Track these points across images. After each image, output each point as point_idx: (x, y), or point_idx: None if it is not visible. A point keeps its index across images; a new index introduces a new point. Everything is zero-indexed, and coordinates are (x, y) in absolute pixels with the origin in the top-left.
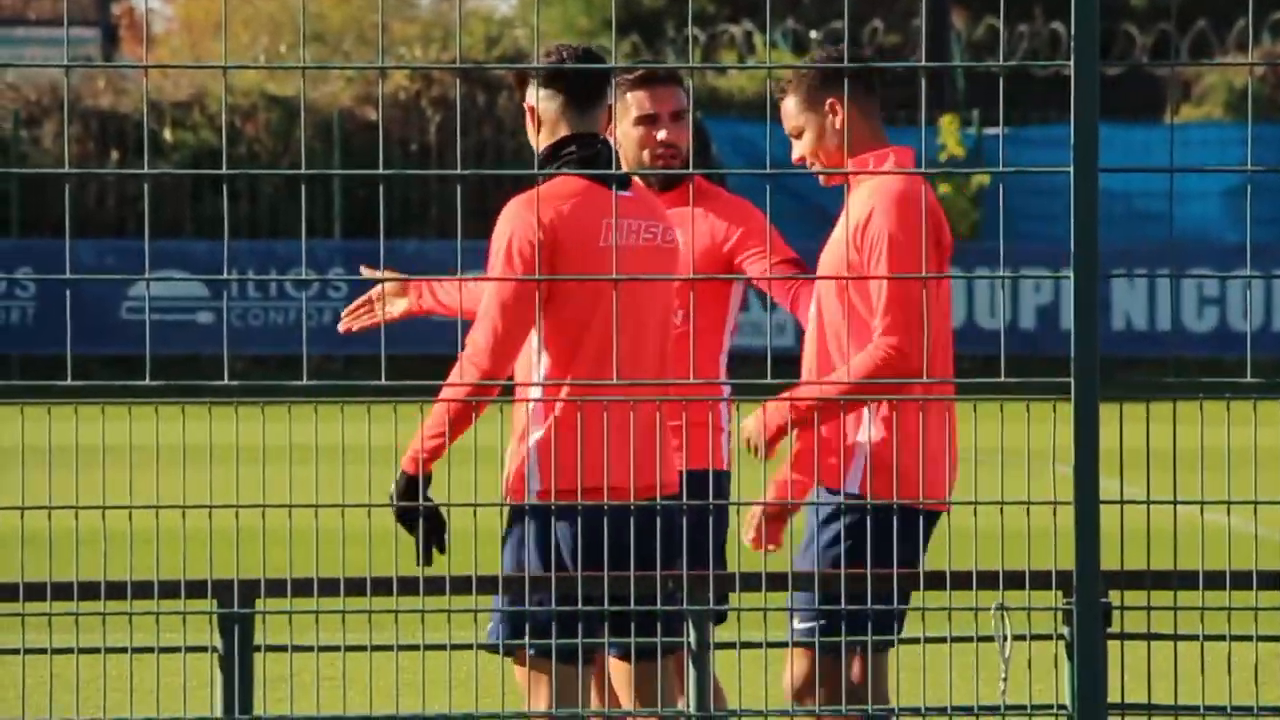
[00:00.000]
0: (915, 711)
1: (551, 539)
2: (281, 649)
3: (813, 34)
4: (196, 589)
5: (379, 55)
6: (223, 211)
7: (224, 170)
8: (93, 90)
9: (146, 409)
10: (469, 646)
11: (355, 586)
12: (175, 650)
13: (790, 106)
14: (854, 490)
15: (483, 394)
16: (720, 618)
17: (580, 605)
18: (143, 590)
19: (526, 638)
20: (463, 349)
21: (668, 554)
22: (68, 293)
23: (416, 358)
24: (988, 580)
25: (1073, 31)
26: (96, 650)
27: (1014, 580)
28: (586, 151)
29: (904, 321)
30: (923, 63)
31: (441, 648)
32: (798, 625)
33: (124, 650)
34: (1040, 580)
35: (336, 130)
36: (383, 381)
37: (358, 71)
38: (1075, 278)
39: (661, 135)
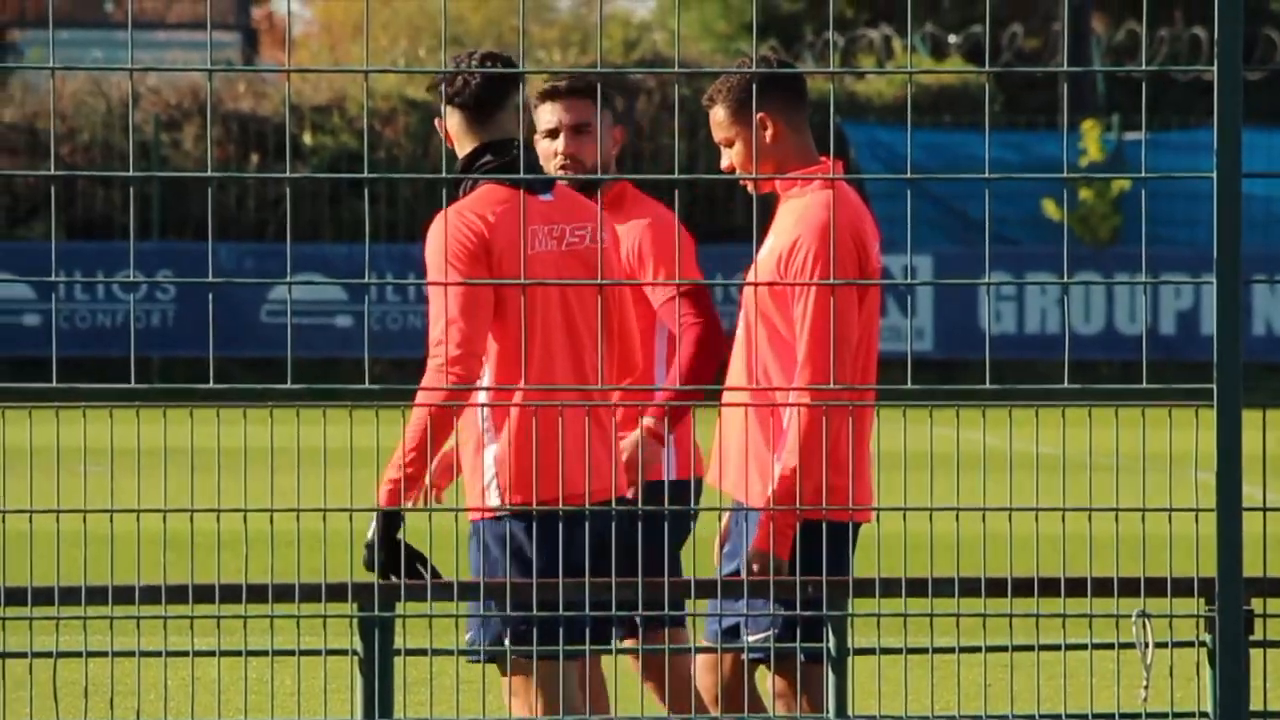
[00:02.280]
0: (1056, 718)
1: (507, 549)
2: (421, 653)
3: (951, 38)
4: (337, 592)
5: (519, 60)
6: (362, 215)
7: (365, 174)
8: (233, 94)
9: (287, 412)
10: (609, 650)
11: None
12: (316, 654)
13: (720, 116)
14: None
15: (463, 398)
16: (678, 623)
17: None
18: (284, 593)
19: (508, 642)
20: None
21: (628, 560)
22: (209, 296)
23: None
24: (1129, 587)
25: (1216, 35)
26: (238, 653)
27: (1156, 587)
28: (502, 158)
29: (823, 353)
30: (1064, 67)
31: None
32: (753, 637)
33: (265, 653)
34: (1182, 587)
35: None
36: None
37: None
38: (1218, 283)
39: (558, 147)
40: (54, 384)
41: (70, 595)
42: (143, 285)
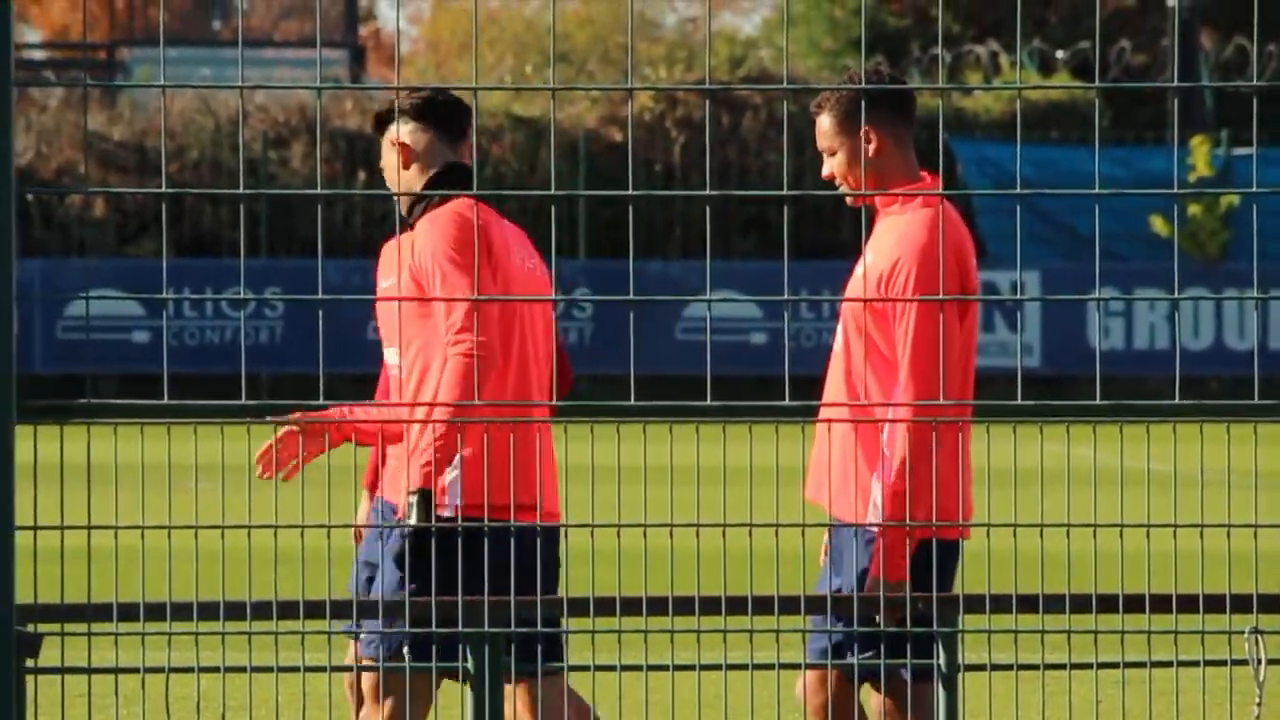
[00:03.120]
0: None
1: (451, 557)
2: (584, 669)
3: (1059, 54)
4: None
5: (628, 76)
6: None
7: (474, 190)
8: (340, 111)
9: (396, 428)
10: (743, 666)
11: (606, 606)
12: (427, 669)
13: (825, 124)
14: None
15: (486, 379)
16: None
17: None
18: (396, 610)
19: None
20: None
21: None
22: (319, 313)
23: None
24: (1242, 603)
25: None
26: (350, 668)
27: (1269, 604)
28: (465, 180)
29: (926, 372)
30: (1173, 83)
31: (716, 668)
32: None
33: (377, 668)
34: None
35: (582, 151)
36: (632, 402)
37: (602, 92)
38: None
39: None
40: (165, 401)
41: (182, 611)
42: (251, 302)
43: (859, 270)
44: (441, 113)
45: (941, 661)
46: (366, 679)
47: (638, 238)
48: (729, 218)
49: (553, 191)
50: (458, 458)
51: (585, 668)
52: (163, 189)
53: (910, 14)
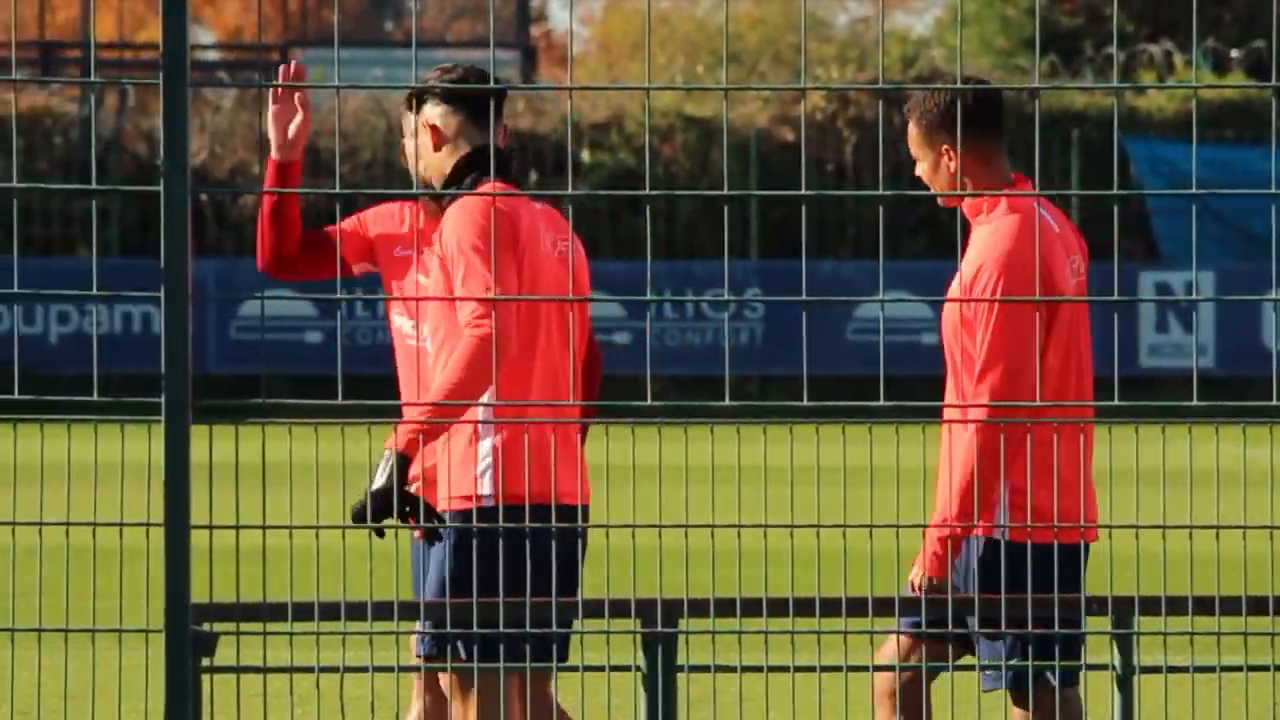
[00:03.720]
0: None
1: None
2: (705, 669)
3: (1234, 53)
4: (620, 608)
5: (800, 76)
6: (641, 232)
7: (647, 191)
8: (512, 111)
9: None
10: (864, 667)
11: (776, 607)
12: (599, 669)
13: (912, 132)
14: (1009, 539)
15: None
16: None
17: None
18: (571, 609)
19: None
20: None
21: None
22: (494, 311)
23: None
24: None
25: None
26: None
27: None
28: (499, 161)
29: (1000, 388)
30: None
31: (864, 669)
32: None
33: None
34: None
35: (754, 151)
36: (805, 403)
37: (774, 92)
38: None
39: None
40: (339, 401)
41: (356, 610)
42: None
43: (955, 282)
44: (472, 94)
45: (1117, 663)
46: (444, 677)
47: (809, 238)
48: (901, 218)
49: (725, 191)
50: (489, 446)
51: (732, 668)
52: (336, 189)
53: (1083, 13)
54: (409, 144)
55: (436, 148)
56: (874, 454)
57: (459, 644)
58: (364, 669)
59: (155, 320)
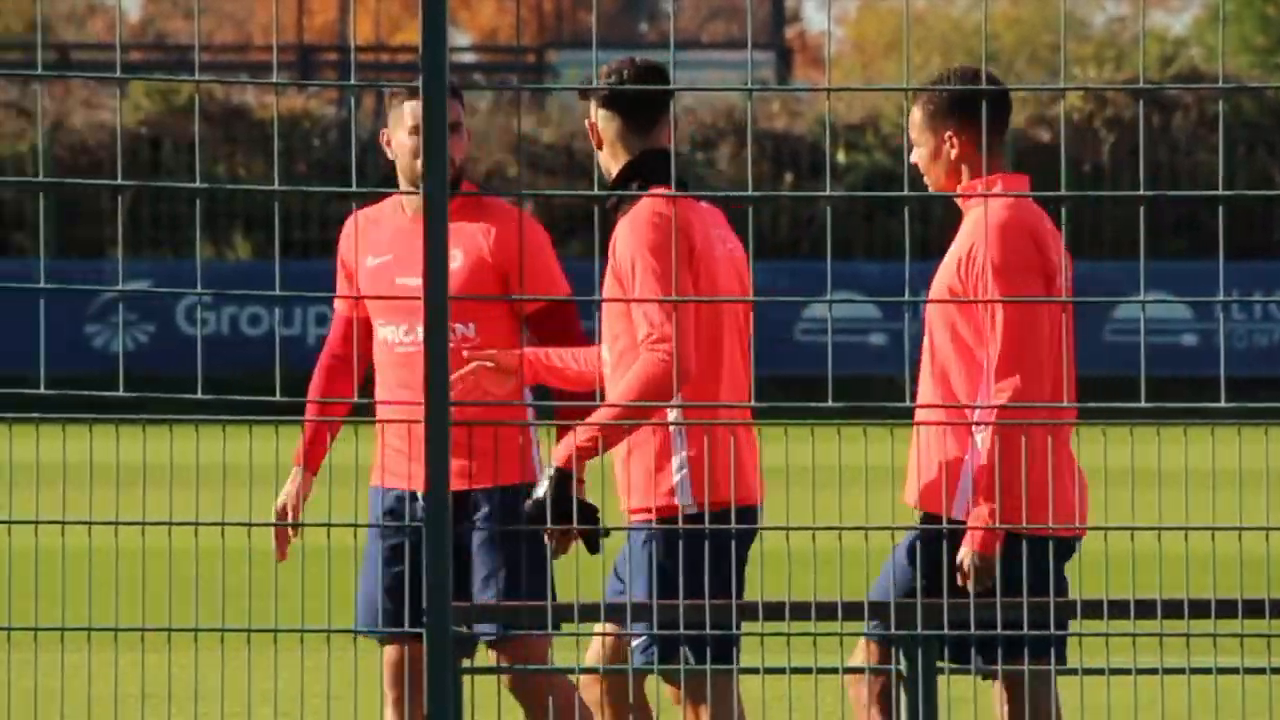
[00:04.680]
0: None
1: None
2: (965, 671)
3: None
4: (880, 611)
5: (1057, 76)
6: (894, 233)
7: (905, 193)
8: (766, 113)
9: (830, 430)
10: (1152, 670)
11: (1064, 609)
12: (859, 671)
13: (915, 117)
14: (959, 517)
15: (670, 384)
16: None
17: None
18: (827, 611)
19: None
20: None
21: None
22: (752, 313)
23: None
24: None
25: None
26: (783, 671)
27: None
28: (664, 167)
29: (1019, 356)
30: None
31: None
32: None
33: (809, 670)
34: None
35: (1009, 151)
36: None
37: (1031, 92)
38: None
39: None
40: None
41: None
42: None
43: (943, 262)
44: (629, 101)
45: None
46: (595, 686)
47: (1067, 238)
48: (1160, 218)
49: (983, 192)
50: (683, 458)
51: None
52: (594, 191)
53: None
54: (397, 138)
55: (598, 147)
56: (1134, 454)
57: (688, 649)
58: (595, 671)
59: None
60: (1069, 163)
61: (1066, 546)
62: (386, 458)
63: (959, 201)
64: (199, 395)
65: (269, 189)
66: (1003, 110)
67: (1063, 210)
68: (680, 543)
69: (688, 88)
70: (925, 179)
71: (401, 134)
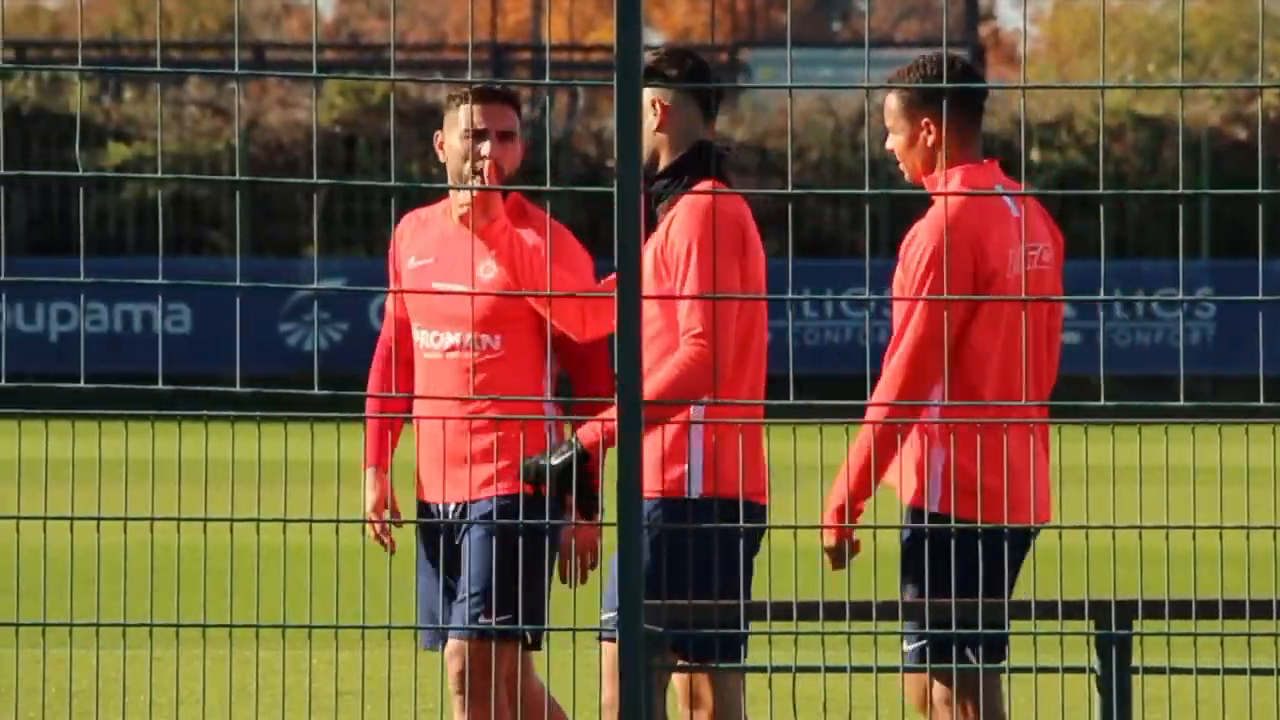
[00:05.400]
0: None
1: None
2: (1159, 671)
3: None
4: (1074, 609)
5: (1256, 74)
6: (1088, 231)
7: (1100, 190)
8: None
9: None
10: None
11: (1233, 609)
12: (1053, 670)
13: (891, 104)
14: (936, 510)
15: (705, 377)
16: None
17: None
18: (1020, 610)
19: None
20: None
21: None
22: (944, 312)
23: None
24: None
25: None
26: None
27: None
28: (718, 160)
29: (919, 354)
30: None
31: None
32: (906, 648)
33: (1003, 669)
34: None
35: (1205, 150)
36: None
37: (1226, 90)
38: None
39: (485, 150)
40: (790, 401)
41: (808, 611)
42: (872, 302)
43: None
44: (704, 91)
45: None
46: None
47: (1265, 236)
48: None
49: (1179, 191)
50: (698, 448)
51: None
52: (788, 189)
53: None
54: (449, 141)
55: (660, 129)
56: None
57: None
58: (843, 669)
59: None
60: (1267, 161)
61: (1023, 535)
62: (422, 470)
63: (927, 188)
64: (394, 394)
65: (462, 187)
66: (977, 98)
67: (1258, 208)
68: (684, 527)
69: (884, 85)
70: (901, 166)
71: (454, 138)
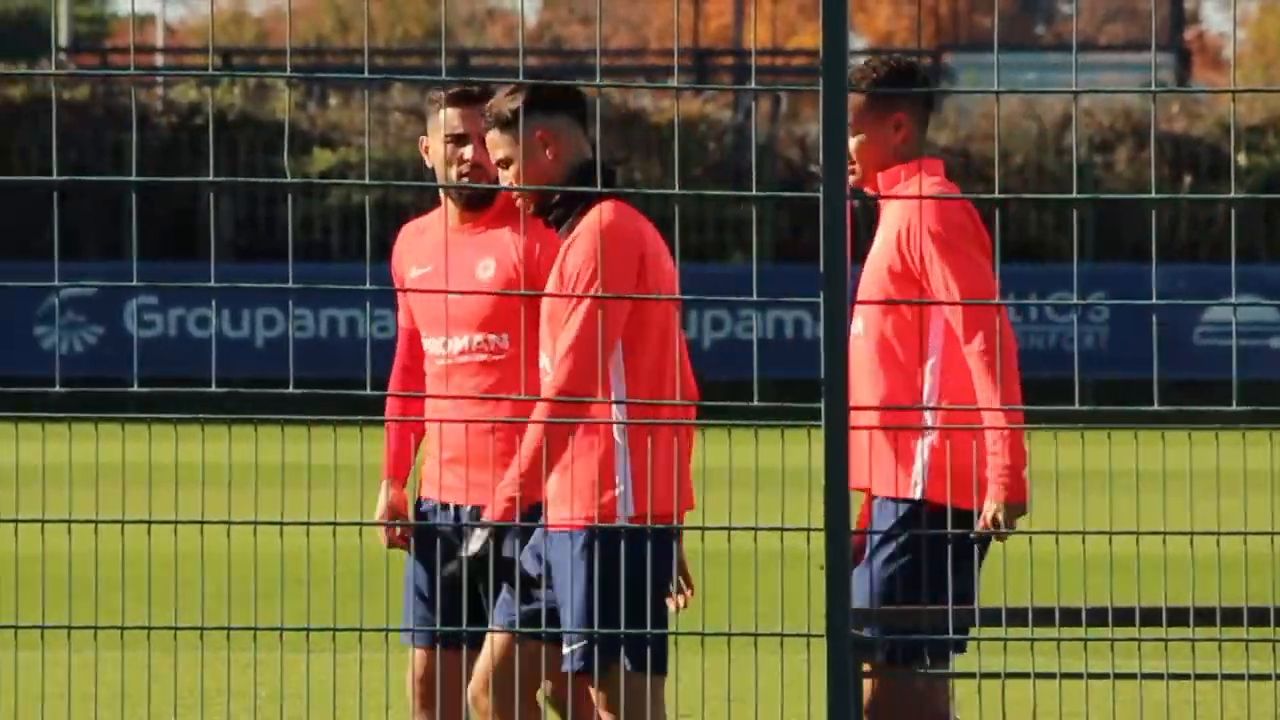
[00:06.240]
0: None
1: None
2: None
3: None
4: (1259, 616)
5: None
6: None
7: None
8: (1166, 115)
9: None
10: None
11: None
12: (1265, 678)
13: (858, 103)
14: (918, 497)
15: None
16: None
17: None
18: (1203, 616)
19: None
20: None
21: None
22: (1152, 318)
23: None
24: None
25: None
26: (1134, 676)
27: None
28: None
29: (979, 316)
30: None
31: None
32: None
33: (1215, 677)
34: None
35: None
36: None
37: None
38: None
39: (467, 154)
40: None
41: (1017, 617)
42: (1079, 307)
43: (873, 251)
44: (580, 100)
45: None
46: (485, 697)
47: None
48: None
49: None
50: (625, 471)
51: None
52: (995, 194)
53: None
54: (434, 145)
55: (555, 160)
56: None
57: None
58: (1053, 675)
59: (807, 326)
60: None
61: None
62: (425, 466)
63: (881, 185)
64: (613, 399)
65: (669, 193)
66: (931, 102)
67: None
68: (621, 550)
69: (1090, 89)
70: (853, 168)
71: (437, 142)
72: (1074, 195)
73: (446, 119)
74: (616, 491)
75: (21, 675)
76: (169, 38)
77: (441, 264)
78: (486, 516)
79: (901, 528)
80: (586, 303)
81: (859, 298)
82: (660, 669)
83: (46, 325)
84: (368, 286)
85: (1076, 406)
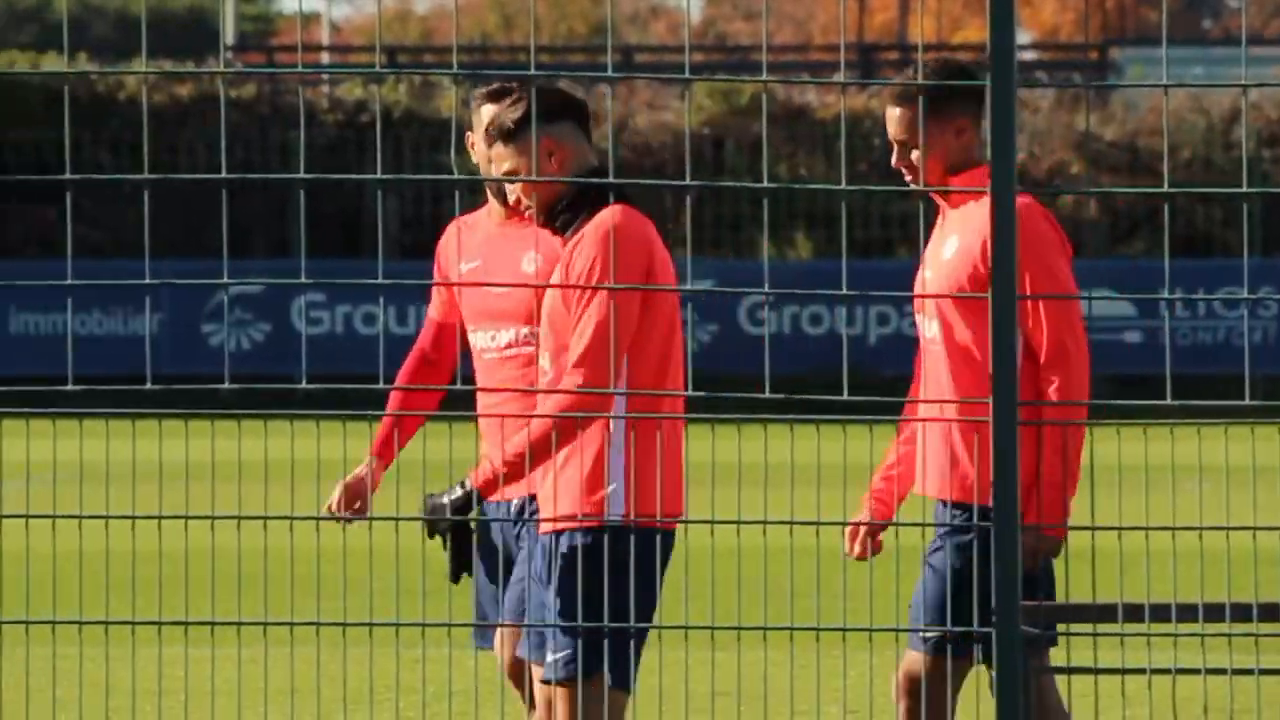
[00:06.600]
0: None
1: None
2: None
3: None
4: (1269, 612)
5: None
6: None
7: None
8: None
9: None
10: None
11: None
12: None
13: (906, 115)
14: (969, 501)
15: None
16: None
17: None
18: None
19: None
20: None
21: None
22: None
23: None
24: None
25: None
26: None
27: None
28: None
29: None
30: None
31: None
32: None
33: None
34: None
35: None
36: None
37: None
38: None
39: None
40: (1166, 401)
41: (1161, 612)
42: (1248, 301)
43: (945, 251)
44: (585, 108)
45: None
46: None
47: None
48: None
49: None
50: (618, 471)
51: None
52: (1164, 188)
53: None
54: (477, 141)
55: (560, 168)
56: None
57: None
58: (1195, 671)
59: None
60: None
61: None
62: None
63: (947, 199)
64: (766, 394)
65: (836, 188)
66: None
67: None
68: (606, 553)
69: (1260, 83)
70: (913, 173)
71: (480, 139)
72: (1243, 189)
73: (488, 116)
74: (607, 490)
75: (192, 670)
76: (334, 36)
77: (489, 259)
78: (469, 481)
79: (963, 532)
80: (599, 301)
81: (940, 304)
82: (627, 685)
83: (215, 323)
84: (530, 284)
85: (1247, 401)
